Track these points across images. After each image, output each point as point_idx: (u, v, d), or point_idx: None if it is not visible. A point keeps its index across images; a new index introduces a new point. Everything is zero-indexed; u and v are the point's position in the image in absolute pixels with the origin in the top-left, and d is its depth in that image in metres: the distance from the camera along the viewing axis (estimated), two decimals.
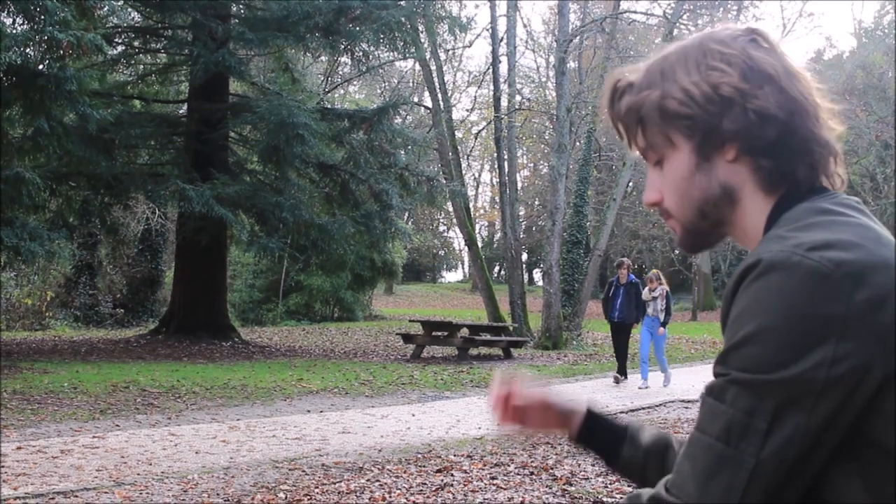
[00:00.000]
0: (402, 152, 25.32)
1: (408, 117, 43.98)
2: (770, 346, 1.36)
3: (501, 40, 32.46)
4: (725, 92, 1.53)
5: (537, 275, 62.77)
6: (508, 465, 8.68)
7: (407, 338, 23.18)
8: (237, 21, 23.01)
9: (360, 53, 24.18)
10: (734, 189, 1.57)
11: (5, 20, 17.23)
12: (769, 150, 1.53)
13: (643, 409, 14.00)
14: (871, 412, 1.36)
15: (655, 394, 16.02)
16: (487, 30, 34.20)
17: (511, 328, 26.72)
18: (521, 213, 55.02)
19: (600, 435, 1.89)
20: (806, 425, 1.35)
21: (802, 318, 1.34)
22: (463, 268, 76.57)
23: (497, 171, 34.80)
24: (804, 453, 1.36)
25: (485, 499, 7.30)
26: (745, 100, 1.52)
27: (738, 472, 1.38)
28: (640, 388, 16.86)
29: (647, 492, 1.51)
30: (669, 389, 16.75)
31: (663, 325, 17.42)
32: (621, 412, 12.77)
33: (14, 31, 16.72)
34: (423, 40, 26.04)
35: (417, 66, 37.31)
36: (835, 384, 1.33)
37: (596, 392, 16.10)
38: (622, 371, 17.95)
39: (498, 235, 64.09)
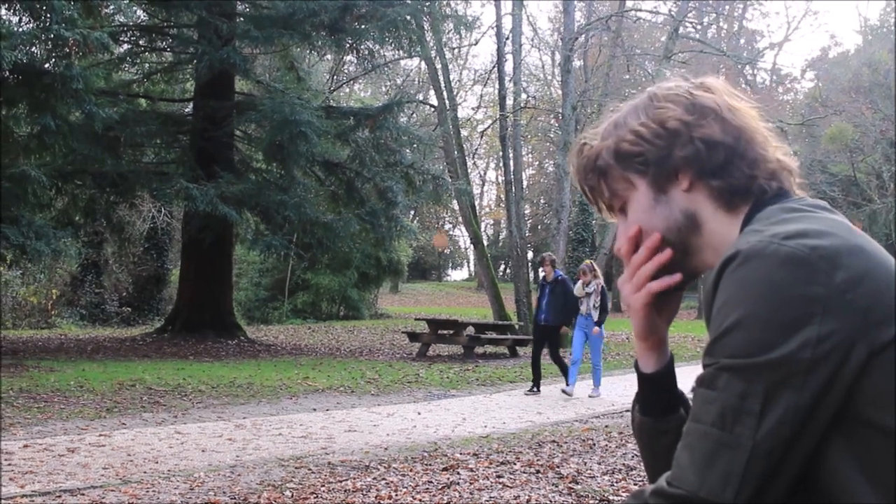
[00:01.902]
0: (408, 150, 25.30)
1: (413, 115, 44.00)
2: (756, 330, 1.40)
3: (507, 38, 32.41)
4: (671, 125, 1.64)
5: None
6: (514, 464, 8.68)
7: (413, 336, 23.20)
8: (242, 19, 23.00)
9: (366, 51, 24.19)
10: (695, 214, 1.65)
11: (11, 18, 17.26)
12: (721, 172, 1.62)
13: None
14: (858, 388, 1.40)
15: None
16: (493, 28, 34.19)
17: (517, 326, 26.70)
18: (527, 211, 54.97)
19: (672, 382, 1.80)
20: (797, 404, 1.39)
21: (785, 300, 1.39)
22: (468, 266, 76.57)
23: (502, 169, 34.83)
24: (798, 432, 1.40)
25: (491, 497, 7.30)
26: (690, 130, 1.62)
27: (736, 456, 1.41)
28: (564, 390, 15.27)
29: (650, 487, 1.53)
30: (599, 400, 15.19)
31: (598, 323, 15.33)
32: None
33: (20, 30, 16.75)
34: (428, 38, 26.03)
35: (423, 65, 37.30)
36: (821, 362, 1.38)
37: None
38: (566, 376, 15.55)
39: (503, 234, 64.02)
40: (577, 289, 15.37)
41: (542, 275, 16.11)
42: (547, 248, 33.92)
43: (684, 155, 1.62)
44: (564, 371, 15.66)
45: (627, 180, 1.69)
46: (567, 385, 15.30)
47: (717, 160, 1.61)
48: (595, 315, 15.25)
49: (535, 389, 15.66)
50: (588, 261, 16.87)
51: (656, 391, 1.79)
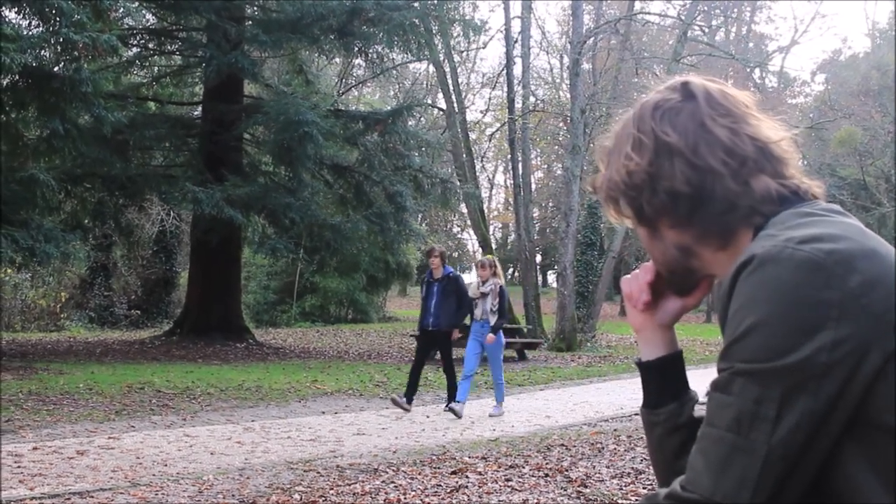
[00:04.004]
0: (417, 154, 25.34)
1: (422, 119, 44.01)
2: (771, 335, 1.40)
3: (515, 42, 32.41)
4: (637, 179, 1.63)
5: (551, 277, 62.72)
6: (523, 467, 8.66)
7: None
8: (251, 23, 23.04)
9: (374, 55, 24.24)
10: (689, 246, 1.65)
11: (21, 22, 17.29)
12: (692, 220, 1.61)
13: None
14: (872, 393, 1.40)
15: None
16: (501, 31, 34.20)
17: (525, 330, 26.70)
18: (535, 214, 54.94)
19: (673, 375, 1.81)
20: (813, 409, 1.39)
21: (800, 305, 1.39)
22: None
23: (511, 172, 34.79)
24: (813, 437, 1.40)
25: (499, 501, 7.29)
26: (654, 182, 1.62)
27: (751, 461, 1.41)
28: (451, 407, 12.99)
29: (663, 491, 1.53)
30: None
31: (493, 329, 13.03)
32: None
33: (29, 33, 16.78)
34: (436, 42, 26.05)
35: (431, 68, 37.36)
36: (837, 367, 1.38)
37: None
38: (451, 393, 13.33)
39: (512, 237, 63.96)
40: (473, 288, 13.40)
41: (429, 271, 13.78)
42: (555, 252, 33.92)
43: (653, 208, 1.63)
44: (452, 386, 13.38)
45: (624, 213, 1.71)
46: (455, 402, 12.99)
47: (683, 211, 1.60)
48: (492, 320, 13.07)
49: (405, 401, 13.23)
50: (490, 256, 14.77)
51: (648, 381, 1.82)
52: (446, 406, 13.38)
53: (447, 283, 13.28)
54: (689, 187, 1.58)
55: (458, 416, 12.67)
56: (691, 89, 1.66)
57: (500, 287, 13.20)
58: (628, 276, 1.84)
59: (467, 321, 13.79)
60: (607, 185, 1.71)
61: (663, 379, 1.80)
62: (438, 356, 13.93)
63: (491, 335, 12.99)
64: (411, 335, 26.04)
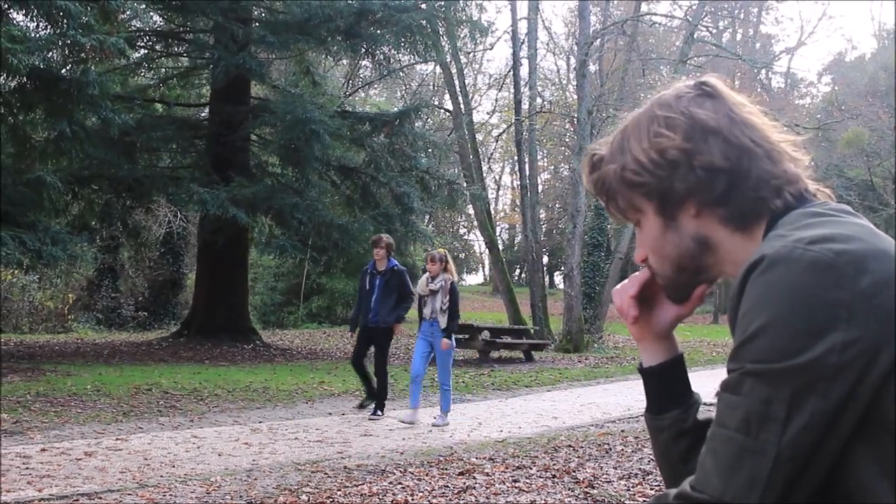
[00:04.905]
0: (423, 155, 25.35)
1: (428, 120, 44.04)
2: (781, 335, 1.40)
3: (522, 43, 32.43)
4: (671, 155, 1.62)
5: (558, 278, 62.69)
6: (530, 468, 8.66)
7: None
8: (258, 24, 23.07)
9: (381, 56, 24.25)
10: (707, 237, 1.65)
11: (28, 24, 17.32)
12: (725, 199, 1.61)
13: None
14: (882, 394, 1.39)
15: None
16: (508, 32, 34.20)
17: (532, 331, 26.67)
18: (542, 215, 55.00)
19: (674, 380, 1.82)
20: (823, 410, 1.38)
21: (810, 306, 1.38)
22: (483, 271, 76.46)
23: (517, 173, 34.80)
24: (822, 438, 1.40)
25: (507, 502, 7.29)
26: (690, 158, 1.61)
27: (761, 462, 1.41)
28: (403, 420, 12.13)
29: (673, 491, 1.53)
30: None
31: (447, 334, 12.07)
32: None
33: (37, 35, 16.81)
34: (443, 43, 26.05)
35: (438, 69, 37.36)
36: (847, 368, 1.37)
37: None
38: (380, 397, 12.79)
39: (519, 238, 63.94)
40: (421, 284, 12.35)
41: (371, 262, 12.97)
42: (562, 253, 33.90)
43: (686, 186, 1.62)
44: (382, 389, 12.80)
45: (636, 206, 1.70)
46: (409, 412, 12.26)
47: (720, 188, 1.60)
48: (442, 321, 12.08)
49: (378, 412, 12.65)
50: (441, 249, 13.16)
51: (651, 386, 1.83)
52: (359, 404, 13.21)
53: (390, 276, 12.56)
54: (728, 162, 1.59)
55: (410, 423, 11.95)
56: (712, 84, 1.68)
57: (452, 284, 12.24)
58: (618, 286, 1.84)
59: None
60: (623, 171, 1.69)
61: (664, 384, 1.81)
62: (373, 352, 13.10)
63: (446, 341, 12.09)
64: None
